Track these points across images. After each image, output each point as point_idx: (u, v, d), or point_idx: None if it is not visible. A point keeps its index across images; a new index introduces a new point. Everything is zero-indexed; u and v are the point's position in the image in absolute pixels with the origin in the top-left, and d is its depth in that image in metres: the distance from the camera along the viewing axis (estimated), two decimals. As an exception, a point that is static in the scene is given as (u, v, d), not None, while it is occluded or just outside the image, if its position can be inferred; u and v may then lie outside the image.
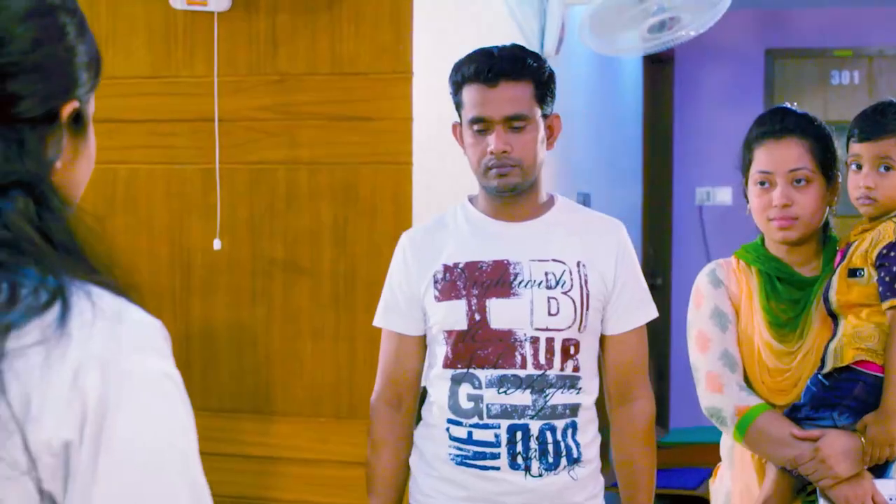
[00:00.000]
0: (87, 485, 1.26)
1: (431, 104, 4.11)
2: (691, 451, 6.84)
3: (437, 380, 3.23)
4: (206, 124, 4.22)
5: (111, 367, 1.28)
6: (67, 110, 1.42)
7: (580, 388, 3.17)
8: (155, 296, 4.29)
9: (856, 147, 3.15)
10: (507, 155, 3.12)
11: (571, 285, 3.16)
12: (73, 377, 1.27)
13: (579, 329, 3.16)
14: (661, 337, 8.41)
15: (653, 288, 8.88)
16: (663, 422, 8.32)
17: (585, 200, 6.08)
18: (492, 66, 3.13)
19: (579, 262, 3.18)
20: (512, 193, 3.17)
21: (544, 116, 3.19)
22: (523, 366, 3.12)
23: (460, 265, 3.19)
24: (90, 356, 1.28)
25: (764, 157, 3.21)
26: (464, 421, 3.16)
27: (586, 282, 3.17)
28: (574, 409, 3.16)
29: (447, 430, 3.20)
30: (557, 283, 3.15)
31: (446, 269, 3.20)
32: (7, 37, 1.35)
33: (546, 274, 3.15)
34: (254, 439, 4.20)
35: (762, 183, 3.21)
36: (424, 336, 3.29)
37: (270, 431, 4.19)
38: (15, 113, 1.36)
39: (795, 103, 3.39)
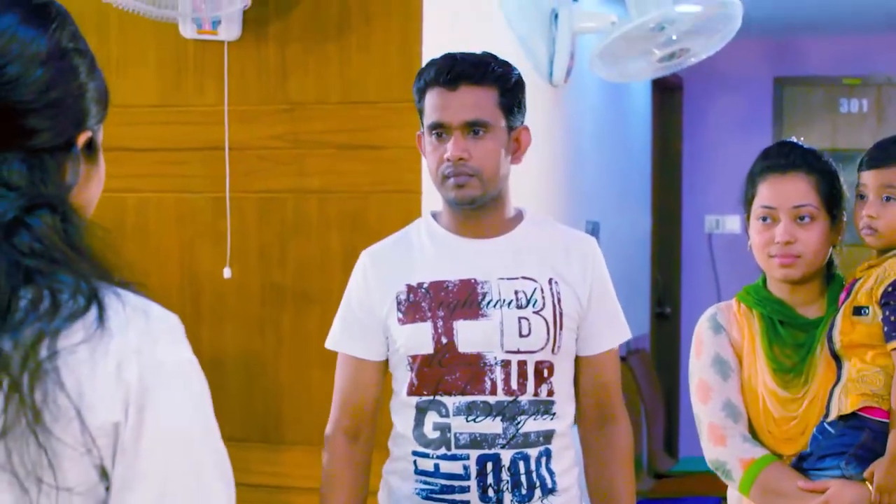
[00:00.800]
0: (132, 458, 1.49)
1: (441, 133, 4.11)
2: (701, 480, 6.81)
3: (401, 408, 3.04)
4: (217, 153, 4.23)
5: (146, 357, 1.50)
6: (82, 139, 1.60)
7: (554, 414, 2.99)
8: (164, 324, 4.29)
9: (863, 176, 3.08)
10: (465, 163, 2.92)
11: (544, 304, 2.98)
12: (116, 368, 1.48)
13: (553, 350, 2.98)
14: (671, 365, 8.38)
15: (662, 316, 8.91)
16: (672, 451, 8.30)
17: (595, 229, 6.08)
18: (452, 69, 2.96)
19: (551, 280, 3.00)
20: (471, 207, 2.97)
21: (511, 128, 3.01)
22: (493, 391, 2.93)
23: (425, 285, 2.99)
24: (129, 349, 1.49)
25: (767, 191, 3.10)
26: (430, 452, 2.97)
27: (559, 300, 2.99)
28: (548, 436, 2.97)
29: (413, 462, 3.00)
30: (528, 301, 2.97)
31: (410, 289, 3.00)
32: (27, 79, 1.54)
33: (516, 293, 2.97)
34: (262, 468, 4.19)
35: (764, 218, 3.10)
36: (385, 362, 3.08)
37: (279, 460, 4.19)
38: (35, 144, 1.54)
39: (802, 138, 3.30)
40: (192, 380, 1.57)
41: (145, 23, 4.21)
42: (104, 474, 1.50)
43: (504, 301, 2.96)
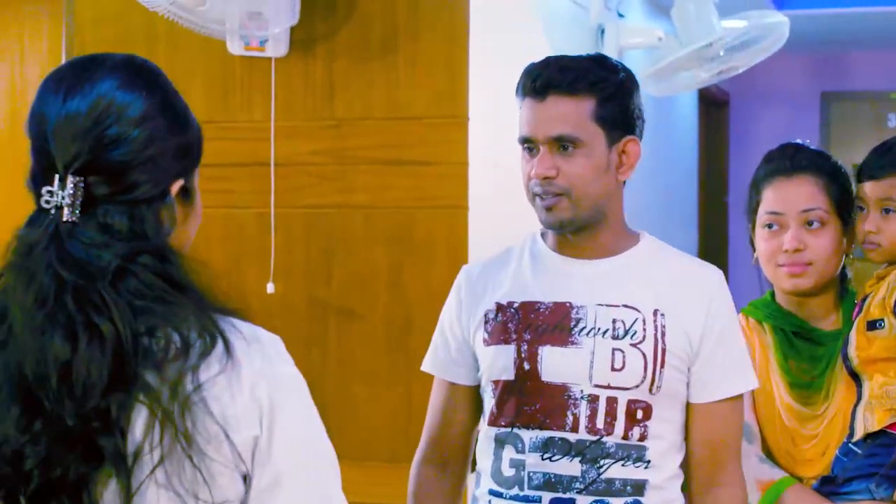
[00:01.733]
0: (266, 461, 1.72)
1: (487, 149, 4.12)
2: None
3: (483, 441, 2.74)
4: (263, 168, 4.24)
5: (269, 378, 1.73)
6: (175, 188, 1.79)
7: (649, 462, 2.58)
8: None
9: (860, 188, 2.90)
10: (552, 181, 2.59)
11: (644, 336, 2.58)
12: (250, 391, 1.71)
13: (651, 390, 2.57)
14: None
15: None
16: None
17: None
18: (540, 76, 2.63)
19: (657, 311, 2.60)
20: (563, 231, 2.65)
21: (613, 141, 2.62)
22: (574, 428, 2.57)
23: (515, 305, 2.66)
24: (255, 373, 1.72)
25: (773, 196, 2.91)
26: (504, 492, 2.64)
27: (663, 334, 2.59)
28: (638, 487, 2.57)
29: (489, 502, 2.68)
30: (626, 332, 2.59)
31: (499, 308, 2.69)
32: (126, 138, 1.72)
33: (614, 321, 2.60)
34: (309, 483, 4.20)
35: (770, 225, 2.91)
36: (478, 387, 2.77)
37: (325, 475, 4.19)
38: (135, 197, 1.73)
39: (809, 140, 3.11)
40: (302, 391, 1.81)
41: (193, 40, 4.24)
42: (246, 482, 1.73)
43: (599, 329, 2.60)
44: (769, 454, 2.90)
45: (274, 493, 1.73)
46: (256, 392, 1.72)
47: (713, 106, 8.71)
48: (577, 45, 5.21)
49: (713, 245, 8.72)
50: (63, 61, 4.55)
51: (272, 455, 1.73)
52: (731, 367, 2.64)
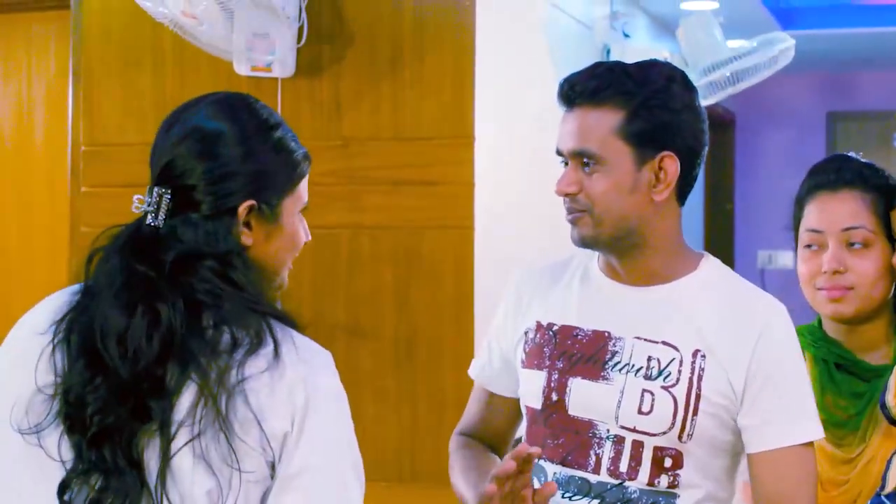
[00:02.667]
0: (292, 455, 1.90)
1: (494, 169, 4.13)
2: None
3: None
4: (270, 188, 4.25)
5: (310, 386, 1.93)
6: (242, 208, 2.00)
7: None
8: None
9: None
10: (575, 198, 2.38)
11: (678, 379, 2.34)
12: (288, 392, 1.91)
13: (681, 438, 2.34)
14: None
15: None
16: None
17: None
18: (569, 84, 2.42)
19: (697, 352, 2.35)
20: (588, 248, 2.45)
21: (645, 158, 2.37)
22: (596, 470, 2.37)
23: (555, 327, 2.47)
24: (298, 378, 1.92)
25: (815, 213, 2.63)
26: None
27: (700, 378, 2.34)
28: None
29: None
30: (660, 373, 2.36)
31: (539, 328, 2.50)
32: (188, 171, 1.98)
33: (649, 359, 2.37)
34: (315, 502, 4.19)
35: (810, 245, 2.63)
36: (519, 400, 2.58)
37: (332, 495, 4.18)
38: (200, 213, 1.98)
39: (861, 153, 2.81)
40: (340, 404, 1.99)
41: (200, 60, 4.25)
42: (273, 469, 1.91)
43: (633, 366, 2.38)
44: None
45: (294, 483, 1.90)
46: (294, 394, 1.91)
47: (719, 125, 8.71)
48: (581, 66, 5.22)
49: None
50: (70, 80, 4.57)
51: (299, 448, 1.91)
52: (782, 415, 2.34)
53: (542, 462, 2.43)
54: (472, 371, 2.68)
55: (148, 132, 4.28)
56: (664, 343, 2.37)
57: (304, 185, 2.17)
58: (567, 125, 2.40)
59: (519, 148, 4.31)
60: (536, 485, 2.34)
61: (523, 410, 2.53)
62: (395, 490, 4.09)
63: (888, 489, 2.42)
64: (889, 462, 2.43)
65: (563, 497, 2.40)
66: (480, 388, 2.67)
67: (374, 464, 4.25)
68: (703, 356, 2.35)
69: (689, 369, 2.34)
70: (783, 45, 4.84)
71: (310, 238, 2.22)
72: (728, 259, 8.83)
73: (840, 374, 2.62)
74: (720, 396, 2.34)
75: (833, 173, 2.65)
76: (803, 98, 8.78)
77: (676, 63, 5.03)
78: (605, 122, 2.36)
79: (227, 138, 2.02)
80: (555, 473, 2.42)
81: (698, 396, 2.33)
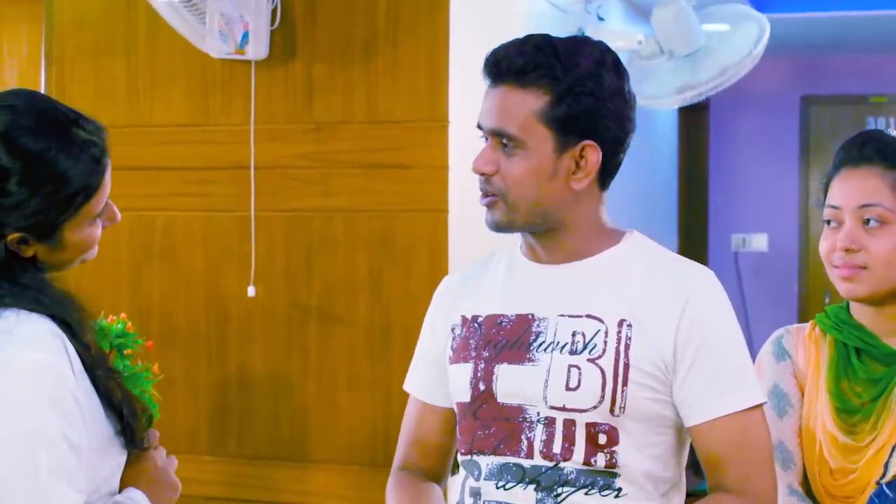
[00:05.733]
0: None
1: (467, 152, 4.10)
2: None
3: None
4: (243, 172, 4.24)
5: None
6: (11, 237, 2.02)
7: (620, 491, 2.25)
8: (191, 343, 4.31)
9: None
10: (490, 180, 2.28)
11: (604, 350, 2.24)
12: None
13: (613, 411, 2.23)
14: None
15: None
16: (699, 470, 8.26)
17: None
18: (496, 60, 2.30)
19: (623, 321, 2.26)
20: (501, 232, 2.34)
21: (566, 146, 2.26)
22: (529, 454, 2.26)
23: (480, 318, 2.37)
24: None
25: (835, 188, 2.51)
26: None
27: (627, 347, 2.24)
28: None
29: None
30: (585, 346, 2.25)
31: (464, 322, 2.40)
32: None
33: (574, 334, 2.27)
34: (290, 486, 4.19)
35: (829, 221, 2.52)
36: (453, 410, 2.46)
37: (306, 479, 4.19)
38: None
39: (894, 130, 2.65)
40: (14, 379, 1.94)
41: (174, 43, 4.23)
42: None
43: (557, 344, 2.28)
44: (807, 487, 2.53)
45: None
46: None
47: (693, 109, 8.72)
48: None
49: (693, 248, 8.74)
50: (42, 65, 4.54)
51: None
52: (719, 383, 2.24)
53: (474, 456, 2.33)
54: (408, 385, 2.56)
55: (120, 116, 4.31)
56: (588, 316, 2.27)
57: (98, 197, 2.09)
58: (489, 101, 2.29)
59: (493, 132, 4.31)
60: (472, 482, 2.32)
61: (455, 409, 2.41)
62: (368, 474, 4.09)
63: (888, 476, 2.39)
64: (893, 449, 2.39)
65: (496, 488, 2.29)
66: (417, 406, 2.53)
67: (347, 448, 4.26)
68: (630, 325, 2.25)
69: (615, 339, 2.24)
70: (758, 31, 4.84)
71: (119, 218, 2.15)
72: (702, 242, 8.85)
73: (860, 360, 2.52)
74: (650, 366, 2.24)
75: (856, 149, 2.52)
76: (777, 82, 8.79)
77: (650, 49, 5.04)
78: (527, 104, 2.25)
79: None
80: (487, 465, 2.30)
81: (626, 366, 2.23)
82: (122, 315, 3.75)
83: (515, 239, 2.42)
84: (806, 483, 2.53)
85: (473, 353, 2.34)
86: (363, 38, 4.16)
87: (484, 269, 2.46)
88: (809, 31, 7.80)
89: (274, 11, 4.16)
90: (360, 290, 4.15)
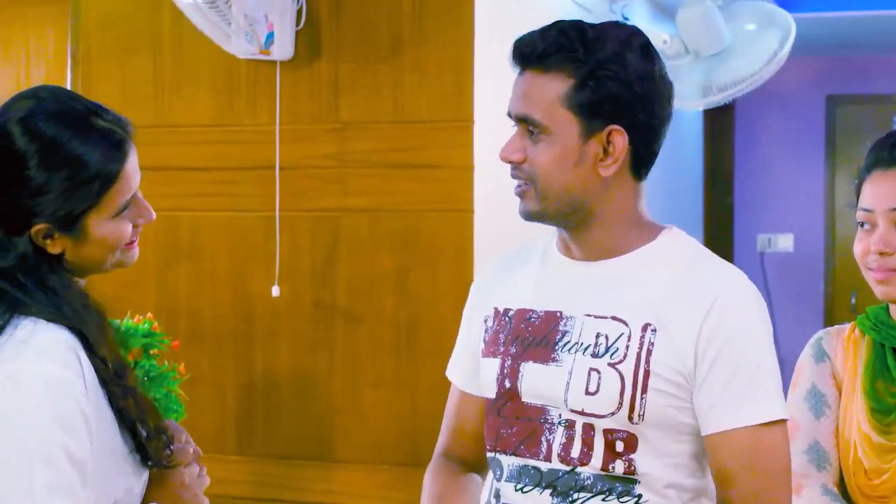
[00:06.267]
0: None
1: (493, 152, 4.10)
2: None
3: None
4: (268, 172, 4.25)
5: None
6: (35, 229, 2.03)
7: (640, 498, 2.18)
8: (217, 343, 4.32)
9: None
10: (519, 167, 2.24)
11: (625, 356, 2.17)
12: None
13: (631, 418, 2.16)
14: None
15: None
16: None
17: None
18: (520, 46, 2.25)
19: (647, 325, 2.18)
20: (534, 221, 2.29)
21: (592, 130, 2.20)
22: (547, 457, 2.21)
23: (511, 312, 2.33)
24: None
25: (867, 191, 2.49)
26: None
27: (649, 353, 2.16)
28: None
29: None
30: (607, 350, 2.19)
31: (496, 314, 2.36)
32: None
33: (597, 336, 2.20)
34: (316, 486, 4.20)
35: (863, 224, 2.50)
36: None
37: (333, 478, 4.19)
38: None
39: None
40: (10, 392, 1.94)
41: (199, 43, 4.24)
42: None
43: (581, 345, 2.21)
44: (843, 488, 2.51)
45: None
46: None
47: (718, 109, 8.69)
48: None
49: (718, 248, 8.71)
50: (68, 64, 4.56)
51: None
52: (738, 393, 2.15)
53: (497, 454, 2.29)
54: (450, 372, 2.52)
55: (146, 117, 4.32)
56: (613, 318, 2.20)
57: (119, 187, 2.08)
58: (515, 88, 2.24)
59: (518, 131, 4.30)
60: (495, 481, 2.29)
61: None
62: (395, 473, 4.09)
63: None
64: None
65: (515, 491, 2.25)
66: (457, 394, 2.50)
67: (373, 448, 4.26)
68: (654, 330, 2.17)
69: (637, 344, 2.16)
70: (783, 32, 4.82)
71: (153, 217, 2.13)
72: (727, 242, 8.83)
73: (895, 359, 2.49)
74: (671, 372, 2.15)
75: (887, 151, 2.49)
76: (802, 81, 8.76)
77: (675, 48, 5.03)
78: (551, 88, 2.19)
79: (8, 165, 2.04)
80: (508, 466, 2.26)
81: (647, 373, 2.15)
82: (149, 315, 3.76)
83: (552, 232, 2.37)
84: (842, 485, 2.50)
85: (501, 349, 2.29)
86: (388, 38, 4.16)
87: (520, 261, 2.40)
88: (835, 30, 7.78)
89: (299, 12, 4.16)
90: (386, 290, 4.15)
